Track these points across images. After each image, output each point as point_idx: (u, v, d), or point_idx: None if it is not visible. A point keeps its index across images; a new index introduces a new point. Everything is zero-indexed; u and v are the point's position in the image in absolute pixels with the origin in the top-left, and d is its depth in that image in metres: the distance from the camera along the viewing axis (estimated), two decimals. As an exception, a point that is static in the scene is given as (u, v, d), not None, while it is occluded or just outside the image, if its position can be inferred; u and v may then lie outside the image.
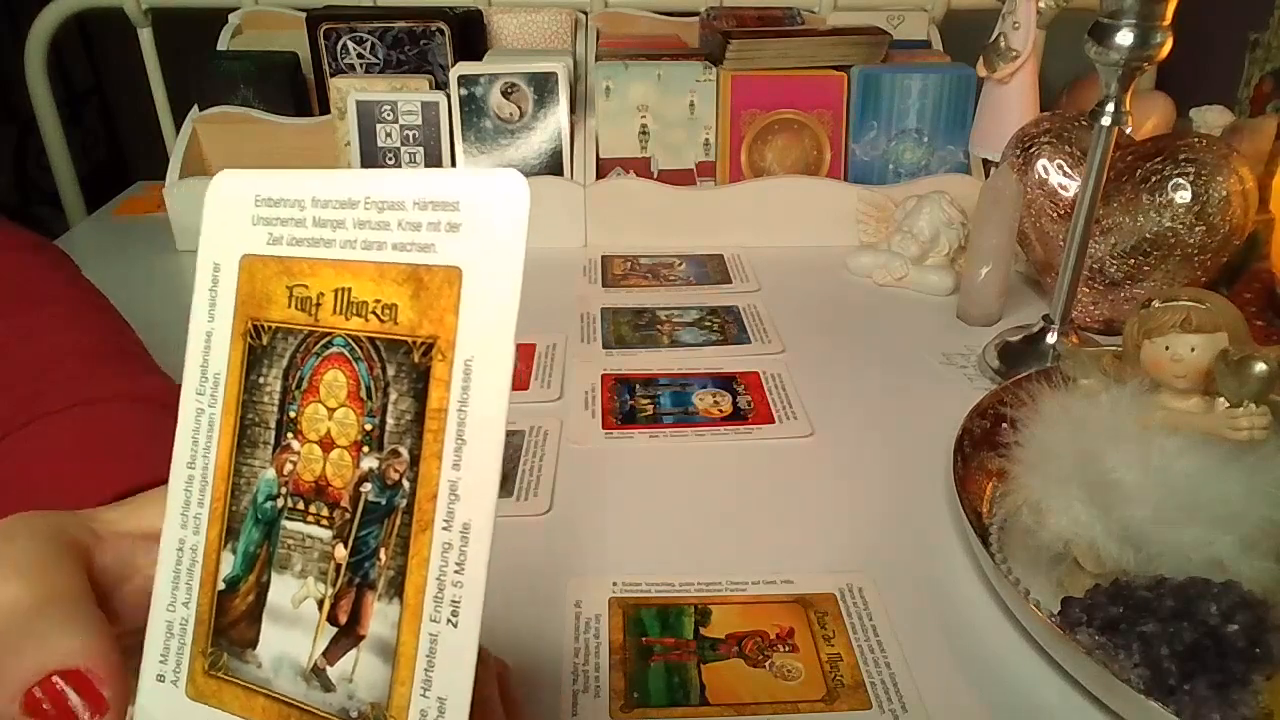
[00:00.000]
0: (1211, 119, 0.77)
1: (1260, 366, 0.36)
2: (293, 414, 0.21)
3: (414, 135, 0.81)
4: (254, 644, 0.20)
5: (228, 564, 0.21)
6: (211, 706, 0.21)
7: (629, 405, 0.58)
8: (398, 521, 0.19)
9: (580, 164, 0.82)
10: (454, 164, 0.81)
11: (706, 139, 0.83)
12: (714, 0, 0.94)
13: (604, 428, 0.55)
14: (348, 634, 0.19)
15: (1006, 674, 0.39)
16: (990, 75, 0.77)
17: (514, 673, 0.38)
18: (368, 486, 0.19)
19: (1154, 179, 0.62)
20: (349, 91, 0.80)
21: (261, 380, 0.21)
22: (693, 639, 0.40)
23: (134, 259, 0.80)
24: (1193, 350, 0.38)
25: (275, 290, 0.21)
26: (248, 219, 0.21)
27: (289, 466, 0.20)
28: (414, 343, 0.19)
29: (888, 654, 0.39)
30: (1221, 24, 0.91)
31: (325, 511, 0.20)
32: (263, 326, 0.21)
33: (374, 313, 0.20)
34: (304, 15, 0.85)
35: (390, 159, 0.81)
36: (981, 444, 0.50)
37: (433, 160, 0.81)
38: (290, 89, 0.85)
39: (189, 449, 0.22)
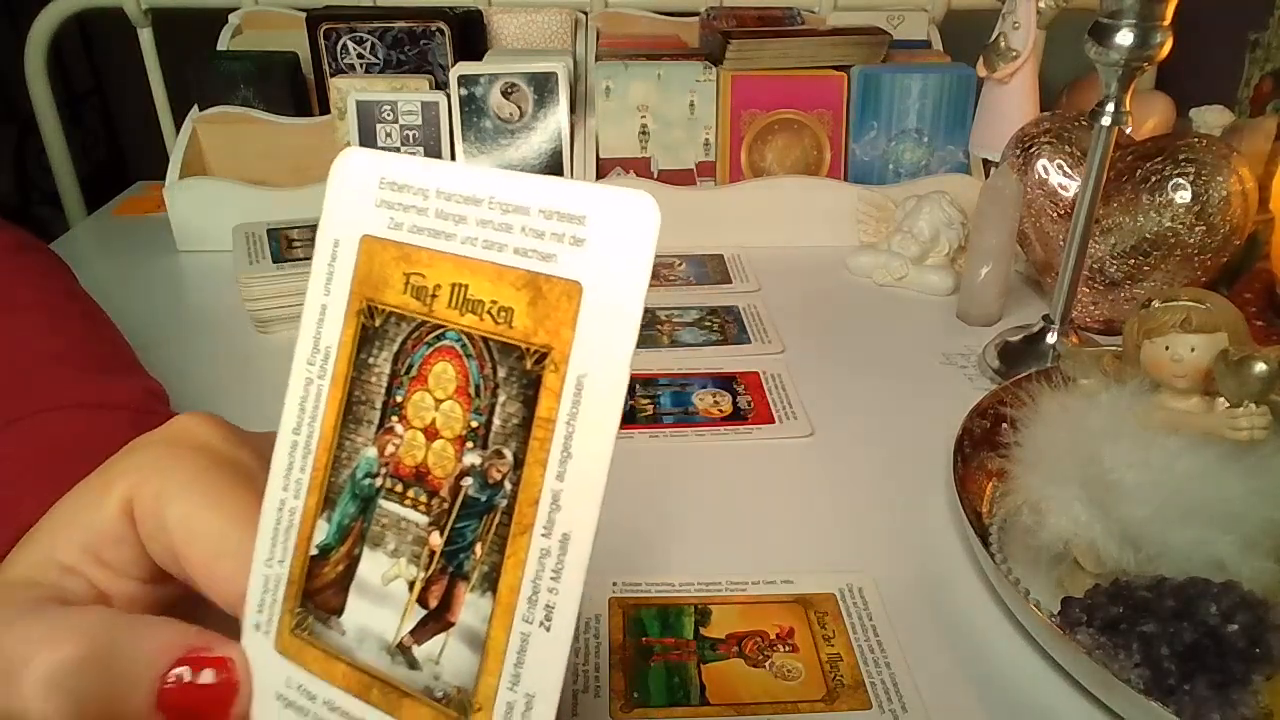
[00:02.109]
0: (1211, 119, 0.77)
1: (1260, 366, 0.36)
2: (399, 399, 0.21)
3: (414, 135, 0.81)
4: (339, 612, 0.21)
5: (322, 531, 0.21)
6: (293, 664, 0.22)
7: (629, 405, 0.58)
8: (496, 520, 0.19)
9: (580, 164, 0.82)
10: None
11: (706, 139, 0.83)
12: (714, 0, 0.94)
13: (604, 428, 0.55)
14: (437, 618, 0.20)
15: (1006, 674, 0.39)
16: (990, 75, 0.77)
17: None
18: (469, 481, 0.20)
19: (1154, 179, 0.62)
20: (349, 91, 0.80)
21: (371, 360, 0.21)
22: (693, 639, 0.40)
23: (134, 259, 0.80)
24: (1193, 350, 0.38)
25: (392, 275, 0.21)
26: (372, 200, 0.21)
27: (390, 449, 0.21)
28: (527, 349, 0.19)
29: (888, 654, 0.39)
30: (1221, 24, 0.91)
31: (423, 498, 0.20)
32: (377, 308, 0.21)
33: (489, 313, 0.20)
34: (304, 15, 0.85)
35: (390, 159, 0.81)
36: (981, 444, 0.50)
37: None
38: (290, 89, 0.85)
39: (296, 415, 0.22)
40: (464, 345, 0.20)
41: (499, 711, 0.19)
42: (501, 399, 0.20)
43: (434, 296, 0.21)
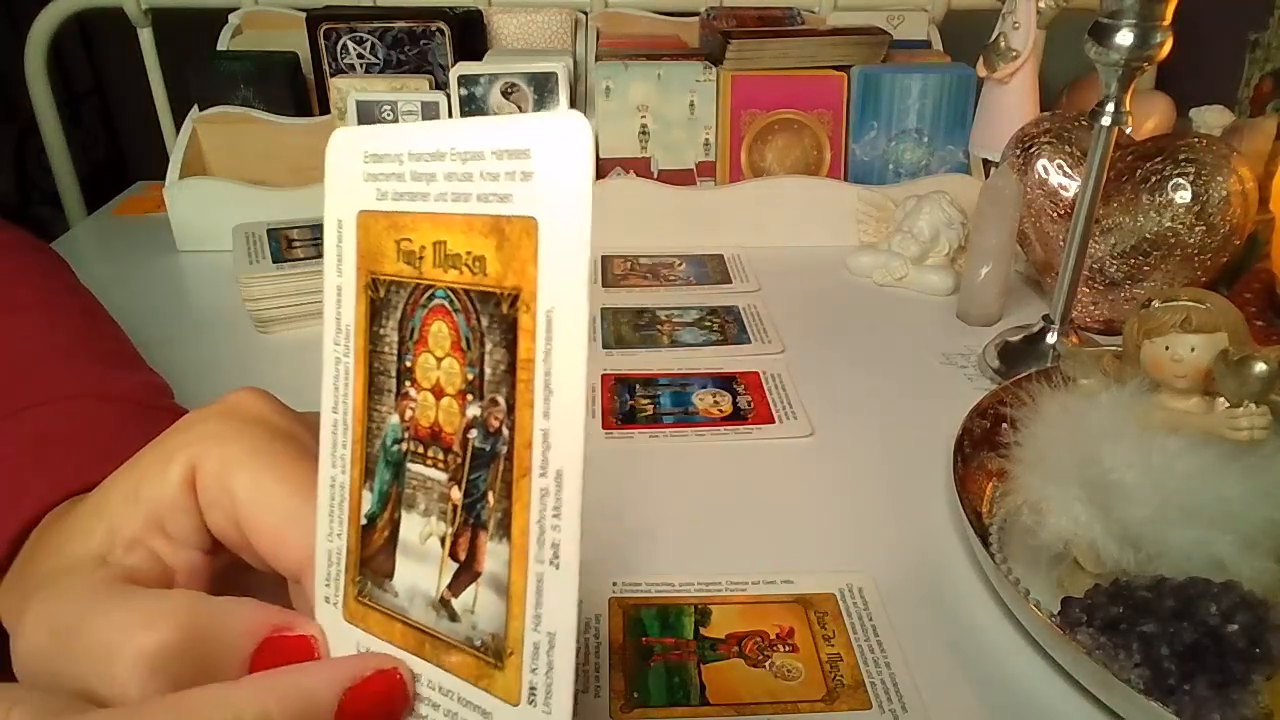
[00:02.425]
0: (1211, 119, 0.77)
1: (1260, 366, 0.36)
2: (409, 363, 0.22)
3: (414, 135, 0.81)
4: (391, 575, 0.22)
5: (367, 501, 0.22)
6: (360, 630, 0.22)
7: (629, 405, 0.58)
8: (501, 467, 0.20)
9: (580, 164, 0.82)
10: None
11: (706, 139, 0.83)
12: (714, 0, 0.94)
13: (604, 428, 0.55)
14: (467, 570, 0.20)
15: (1006, 674, 0.39)
16: (990, 75, 0.77)
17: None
18: (474, 433, 0.20)
19: (1154, 179, 0.62)
20: (349, 91, 0.80)
21: (382, 331, 0.22)
22: (693, 639, 0.40)
23: (134, 259, 0.80)
24: (1193, 350, 0.38)
25: (386, 245, 0.22)
26: (360, 175, 0.22)
27: (409, 413, 0.22)
28: (502, 294, 0.19)
29: (888, 654, 0.39)
30: (1221, 24, 0.91)
31: (441, 455, 0.21)
32: (380, 280, 0.22)
33: (466, 265, 0.20)
34: (304, 15, 0.85)
35: (390, 159, 0.81)
36: (981, 444, 0.50)
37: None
38: (290, 89, 0.85)
39: (331, 395, 0.23)
40: (451, 301, 0.21)
41: (527, 653, 0.19)
42: (488, 347, 0.20)
43: (421, 258, 0.21)
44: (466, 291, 0.20)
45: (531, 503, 0.19)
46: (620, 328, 0.68)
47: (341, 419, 0.23)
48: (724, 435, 0.55)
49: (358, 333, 0.22)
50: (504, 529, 0.20)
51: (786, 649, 0.39)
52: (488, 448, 0.20)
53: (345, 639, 0.23)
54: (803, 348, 0.65)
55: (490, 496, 0.20)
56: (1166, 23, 0.50)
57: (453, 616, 0.21)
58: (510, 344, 0.19)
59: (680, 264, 0.79)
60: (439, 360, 0.21)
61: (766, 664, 0.39)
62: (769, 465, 0.53)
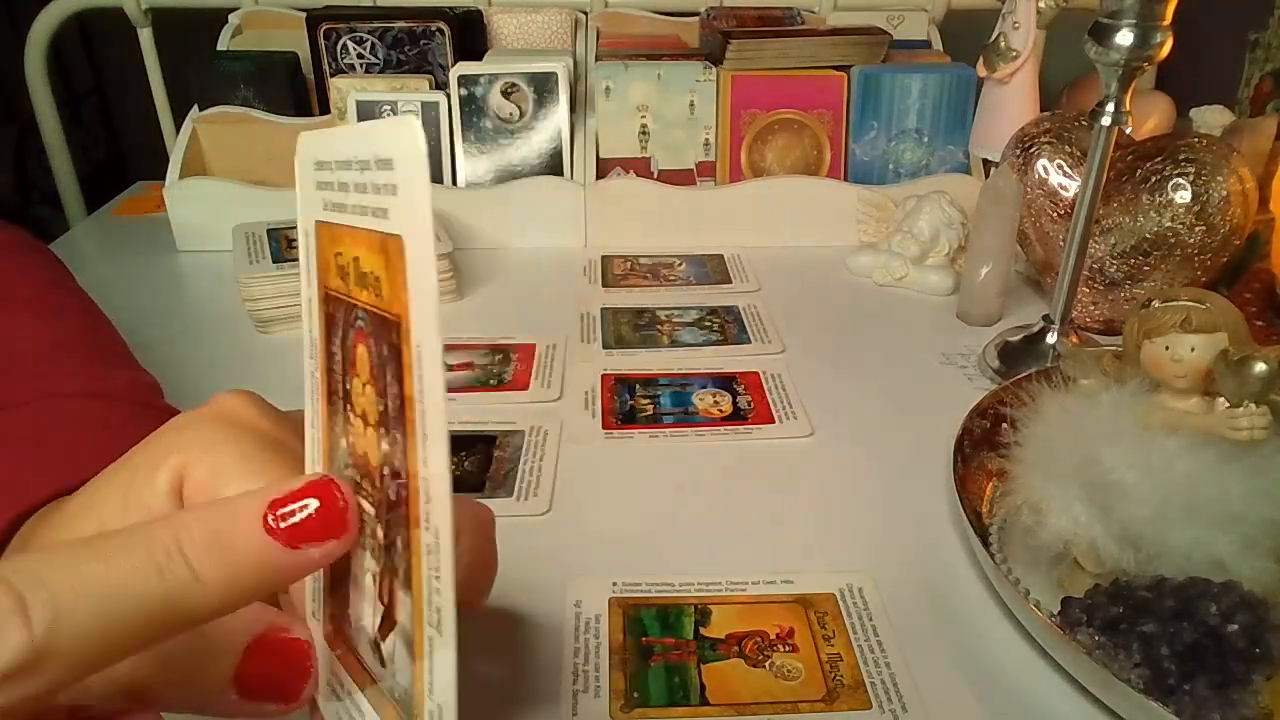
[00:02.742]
0: (1211, 119, 0.77)
1: (1260, 366, 0.36)
2: (348, 386, 0.20)
3: (414, 135, 0.81)
4: (348, 605, 0.21)
5: None
6: (336, 654, 0.21)
7: (629, 405, 0.58)
8: (403, 512, 0.18)
9: (580, 164, 0.82)
10: (454, 164, 0.81)
11: (706, 139, 0.83)
12: (714, 0, 0.94)
13: (604, 428, 0.55)
14: (388, 616, 0.19)
15: (1006, 674, 0.39)
16: (990, 75, 0.77)
17: (514, 673, 0.38)
18: (387, 470, 0.19)
19: (1154, 179, 0.62)
20: (349, 91, 0.80)
21: (334, 349, 0.20)
22: (693, 639, 0.40)
23: (134, 259, 0.80)
24: (1193, 350, 0.38)
25: (329, 257, 0.20)
26: (313, 182, 0.20)
27: (351, 438, 0.20)
28: (392, 320, 0.18)
29: (888, 654, 0.39)
30: (1221, 24, 0.91)
31: (371, 489, 0.19)
32: (330, 294, 0.20)
33: (371, 284, 0.18)
34: (304, 15, 0.85)
35: (390, 159, 0.81)
36: (981, 444, 0.50)
37: (432, 159, 0.81)
38: (290, 89, 0.85)
39: (310, 410, 0.22)
40: (366, 323, 0.19)
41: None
42: (388, 379, 0.18)
43: (348, 274, 0.19)
44: (373, 314, 0.18)
45: (422, 558, 0.17)
46: (620, 328, 0.68)
47: (316, 435, 0.22)
48: (724, 435, 0.55)
49: (320, 348, 0.21)
50: (408, 580, 0.18)
51: (786, 649, 0.39)
52: (394, 488, 0.18)
53: (323, 659, 0.22)
54: (803, 348, 0.65)
55: (399, 542, 0.18)
56: (1166, 23, 0.50)
57: (382, 661, 0.19)
58: (399, 376, 0.17)
59: (680, 264, 0.79)
60: (364, 386, 0.19)
61: (766, 664, 0.39)
62: (769, 465, 0.53)
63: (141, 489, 0.24)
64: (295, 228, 0.75)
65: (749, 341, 0.66)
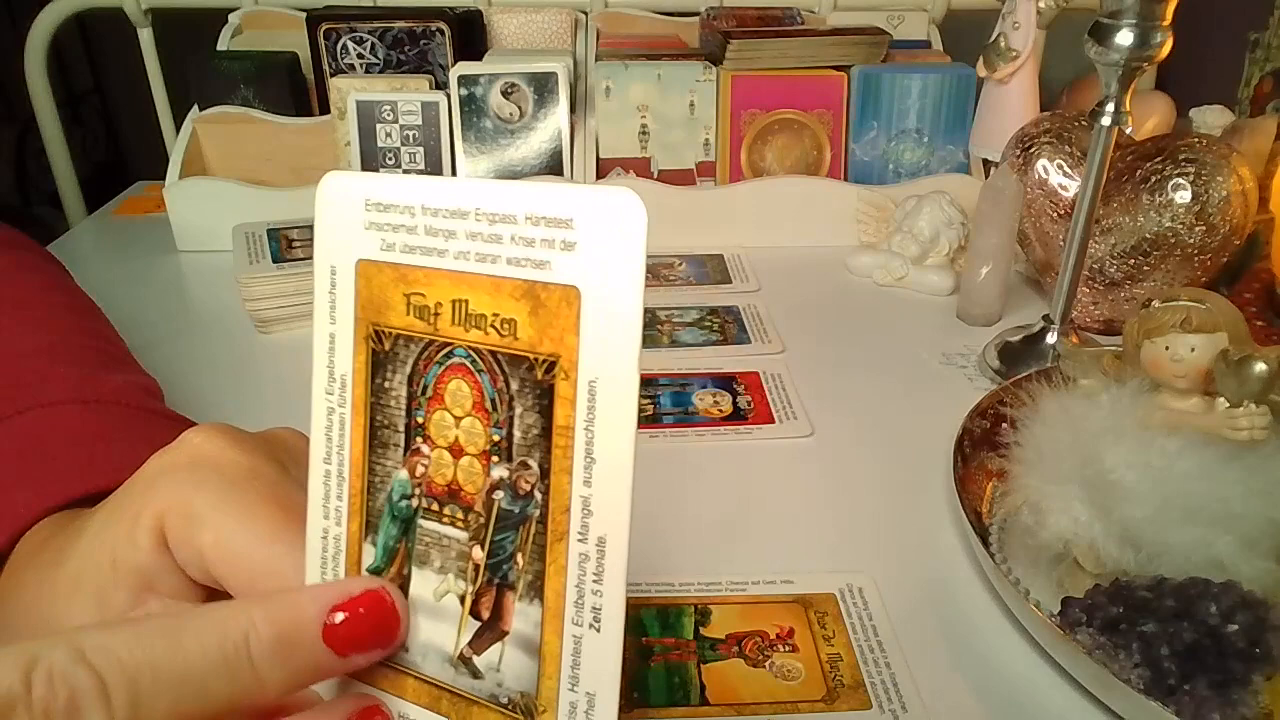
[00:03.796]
0: (1211, 119, 0.77)
1: (1260, 366, 0.36)
2: (420, 419, 0.21)
3: (414, 135, 0.81)
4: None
5: (369, 555, 0.22)
6: (365, 684, 0.22)
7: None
8: (532, 529, 0.20)
9: (580, 164, 0.82)
10: (454, 164, 0.81)
11: (706, 139, 0.83)
12: (714, 0, 0.94)
13: (604, 428, 0.55)
14: (491, 628, 0.20)
15: (1006, 674, 0.39)
16: (990, 75, 0.77)
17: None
18: (500, 494, 0.20)
19: (1154, 179, 0.62)
20: (349, 91, 0.80)
21: (387, 385, 0.21)
22: (693, 639, 0.40)
23: (134, 259, 0.80)
24: (1193, 350, 0.38)
25: (393, 297, 0.21)
26: (360, 223, 0.21)
27: (420, 469, 0.21)
28: (536, 359, 0.19)
29: (888, 654, 0.39)
30: (1221, 24, 0.91)
31: (460, 514, 0.21)
32: (384, 332, 0.21)
33: (493, 326, 0.20)
34: (304, 15, 0.85)
35: (390, 159, 0.81)
36: (981, 444, 0.50)
37: (432, 160, 0.81)
38: (290, 89, 0.85)
39: (324, 445, 0.22)
40: (474, 361, 0.20)
41: (563, 711, 0.19)
42: (518, 411, 0.20)
43: (436, 314, 0.20)
44: (493, 353, 0.20)
45: (569, 567, 0.19)
46: (620, 328, 0.68)
47: (336, 470, 0.22)
48: (724, 435, 0.55)
49: (356, 383, 0.22)
50: (536, 590, 0.20)
51: (786, 649, 0.39)
52: (516, 510, 0.20)
53: (344, 689, 0.22)
54: (803, 348, 0.65)
55: (519, 558, 0.20)
56: (1166, 23, 0.50)
57: (474, 673, 0.21)
58: (545, 409, 0.19)
59: (680, 264, 0.79)
60: (457, 419, 0.20)
61: (766, 664, 0.39)
62: (769, 465, 0.53)
63: (127, 553, 0.24)
64: (295, 228, 0.74)
65: (749, 341, 0.66)
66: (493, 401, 0.20)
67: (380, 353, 0.21)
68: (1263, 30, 0.88)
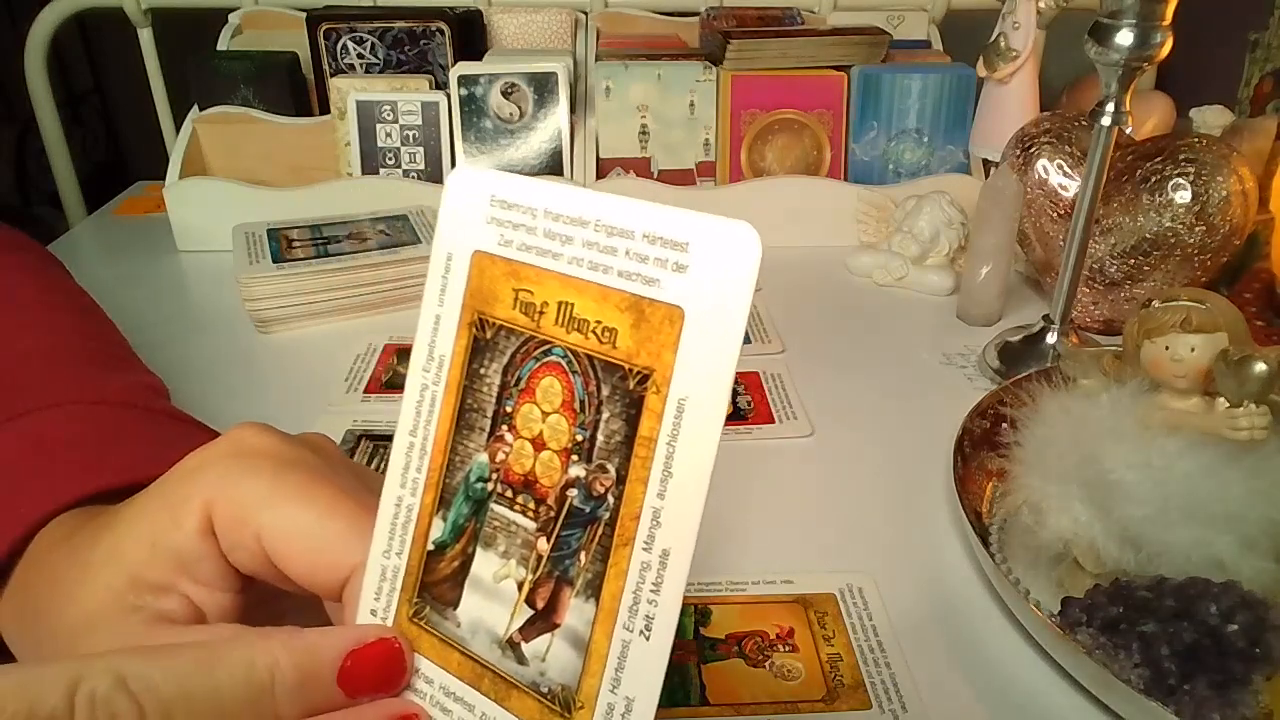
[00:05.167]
0: (1211, 119, 0.77)
1: (1260, 366, 0.36)
2: (509, 409, 0.22)
3: (414, 135, 0.81)
4: (455, 605, 0.22)
5: (438, 529, 0.23)
6: (413, 652, 0.23)
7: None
8: (599, 531, 0.20)
9: (580, 164, 0.82)
10: (453, 163, 0.81)
11: (706, 139, 0.83)
12: (714, 0, 0.94)
13: (604, 428, 0.55)
14: (544, 619, 0.21)
15: (1006, 674, 0.39)
16: (990, 75, 0.77)
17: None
18: (574, 492, 0.21)
19: (1154, 179, 0.62)
20: (349, 91, 0.80)
21: (482, 371, 0.22)
22: (693, 639, 0.40)
23: (134, 259, 0.80)
24: (1193, 350, 0.38)
25: (502, 290, 0.22)
26: (482, 217, 0.22)
27: (501, 455, 0.22)
28: (630, 369, 0.20)
29: (888, 654, 0.39)
30: (1221, 24, 0.91)
31: (531, 504, 0.21)
32: (488, 321, 0.22)
33: (594, 332, 0.20)
34: (304, 15, 0.85)
35: (390, 159, 0.81)
36: (981, 444, 0.50)
37: (432, 160, 0.81)
38: (290, 89, 0.85)
39: (412, 418, 0.23)
40: (569, 362, 0.21)
41: (600, 711, 0.20)
42: (605, 416, 0.20)
43: (541, 313, 0.21)
44: (590, 357, 0.20)
45: (629, 572, 0.20)
46: (620, 328, 0.68)
47: (420, 444, 0.23)
48: (724, 435, 0.55)
49: (453, 365, 0.23)
50: (593, 590, 0.20)
51: (786, 649, 0.39)
52: (587, 509, 0.20)
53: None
54: (803, 348, 0.65)
55: (582, 556, 0.20)
56: (1166, 23, 0.50)
57: (520, 659, 0.21)
58: (631, 419, 0.20)
59: (680, 264, 0.79)
60: (545, 415, 0.21)
61: (766, 664, 0.39)
62: (769, 465, 0.53)
63: (170, 534, 0.24)
64: (295, 228, 0.74)
65: (749, 341, 0.66)
66: (582, 403, 0.21)
67: (481, 340, 0.22)
68: (1263, 30, 0.88)
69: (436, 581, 0.23)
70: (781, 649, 0.39)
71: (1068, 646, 0.36)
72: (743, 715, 0.36)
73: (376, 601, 0.23)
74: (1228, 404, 0.38)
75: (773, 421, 0.56)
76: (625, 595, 0.20)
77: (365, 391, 0.58)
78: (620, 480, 0.20)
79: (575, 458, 0.21)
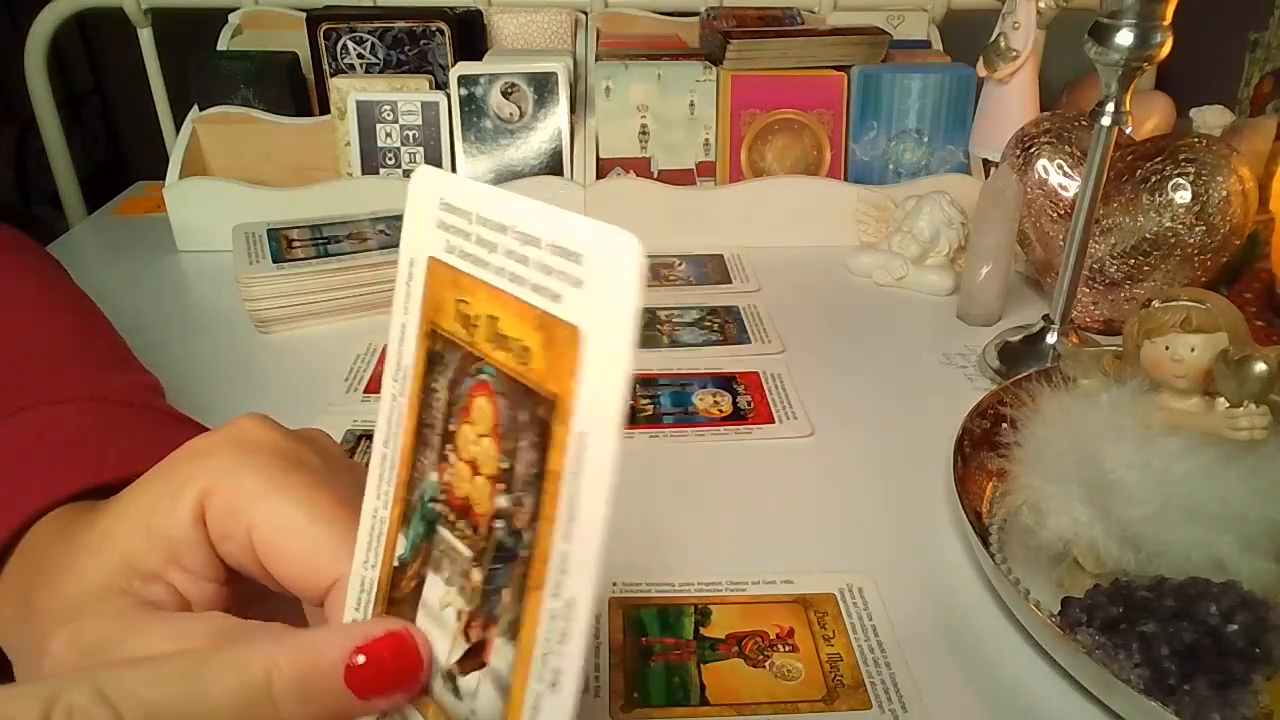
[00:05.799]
0: (1211, 119, 0.77)
1: (1260, 366, 0.36)
2: (452, 428, 0.20)
3: (414, 135, 0.81)
4: (413, 624, 0.21)
5: (401, 545, 0.22)
6: None
7: (629, 405, 0.57)
8: (519, 570, 0.19)
9: (580, 164, 0.82)
10: (454, 165, 0.81)
11: (706, 139, 0.83)
12: (714, 0, 0.94)
13: (604, 428, 0.55)
14: (475, 655, 0.20)
15: (1006, 674, 0.39)
16: (990, 75, 0.77)
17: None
18: (499, 524, 0.19)
19: (1154, 179, 0.62)
20: (349, 91, 0.80)
21: (434, 386, 0.21)
22: (693, 639, 0.40)
23: (134, 259, 0.80)
24: (1193, 350, 0.38)
25: (447, 299, 0.20)
26: (434, 221, 0.21)
27: (447, 476, 0.21)
28: (541, 396, 0.18)
29: (888, 654, 0.39)
30: (1221, 24, 0.91)
31: (469, 531, 0.20)
32: (438, 332, 0.21)
33: (514, 350, 0.19)
34: (304, 15, 0.85)
35: (390, 159, 0.81)
36: (981, 444, 0.50)
37: (432, 160, 0.81)
38: (290, 89, 0.85)
39: (384, 429, 0.22)
40: (496, 381, 0.19)
41: None
42: (522, 444, 0.18)
43: (475, 326, 0.20)
44: (512, 378, 0.19)
45: (541, 621, 0.18)
46: (620, 328, 0.68)
47: (390, 455, 0.22)
48: (724, 435, 0.55)
49: (415, 377, 0.21)
50: (514, 632, 0.19)
51: (786, 649, 0.39)
52: (510, 544, 0.19)
53: None
54: (803, 348, 0.65)
55: (505, 594, 0.19)
56: (1166, 23, 0.50)
57: (456, 694, 0.20)
58: (542, 450, 0.18)
59: (680, 264, 0.79)
60: (479, 437, 0.20)
61: (766, 664, 0.39)
62: (769, 465, 0.53)
63: (165, 519, 0.24)
64: (295, 228, 0.74)
65: (749, 341, 0.66)
66: (507, 428, 0.19)
67: (434, 352, 0.21)
68: (1263, 30, 0.88)
69: (399, 600, 0.22)
70: (781, 649, 0.39)
71: (1068, 646, 0.36)
72: (743, 715, 0.36)
73: (357, 611, 0.23)
74: (1228, 404, 0.38)
75: (773, 421, 0.56)
76: (538, 644, 0.18)
77: (365, 391, 0.58)
78: (534, 518, 0.18)
79: (502, 486, 0.19)
